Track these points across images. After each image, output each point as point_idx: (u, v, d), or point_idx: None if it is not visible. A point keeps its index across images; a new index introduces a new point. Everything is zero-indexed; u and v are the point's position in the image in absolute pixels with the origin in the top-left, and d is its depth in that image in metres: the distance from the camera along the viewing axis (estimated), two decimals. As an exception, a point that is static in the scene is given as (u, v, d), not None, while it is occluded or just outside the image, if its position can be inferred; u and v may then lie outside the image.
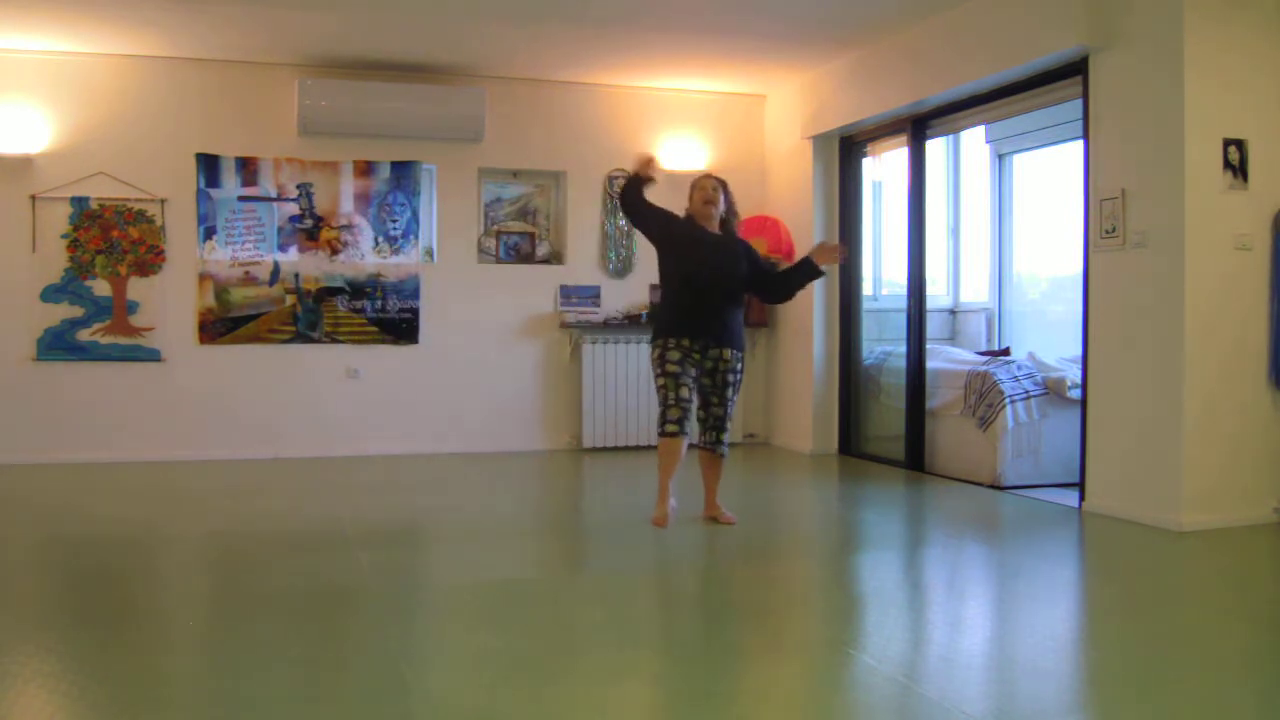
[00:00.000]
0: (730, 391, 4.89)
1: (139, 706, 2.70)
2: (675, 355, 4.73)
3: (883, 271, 7.64)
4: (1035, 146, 7.55)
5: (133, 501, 5.73)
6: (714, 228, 4.94)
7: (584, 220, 7.73)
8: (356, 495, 5.87)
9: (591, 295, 7.65)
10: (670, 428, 4.69)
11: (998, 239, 7.90)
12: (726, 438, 4.94)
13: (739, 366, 4.89)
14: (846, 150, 7.39)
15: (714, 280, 4.80)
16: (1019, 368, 6.25)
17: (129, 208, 6.84)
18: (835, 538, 5.12)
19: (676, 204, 5.13)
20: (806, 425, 7.54)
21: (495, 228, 7.72)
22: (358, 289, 7.25)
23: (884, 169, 7.53)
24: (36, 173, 6.72)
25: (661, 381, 4.74)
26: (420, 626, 3.39)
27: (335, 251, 7.20)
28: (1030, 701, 2.79)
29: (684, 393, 4.69)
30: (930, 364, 6.67)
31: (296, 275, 7.13)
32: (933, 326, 7.25)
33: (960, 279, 8.11)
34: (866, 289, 7.47)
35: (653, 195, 5.00)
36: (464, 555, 4.48)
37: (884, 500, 5.91)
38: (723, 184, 4.99)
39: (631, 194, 4.92)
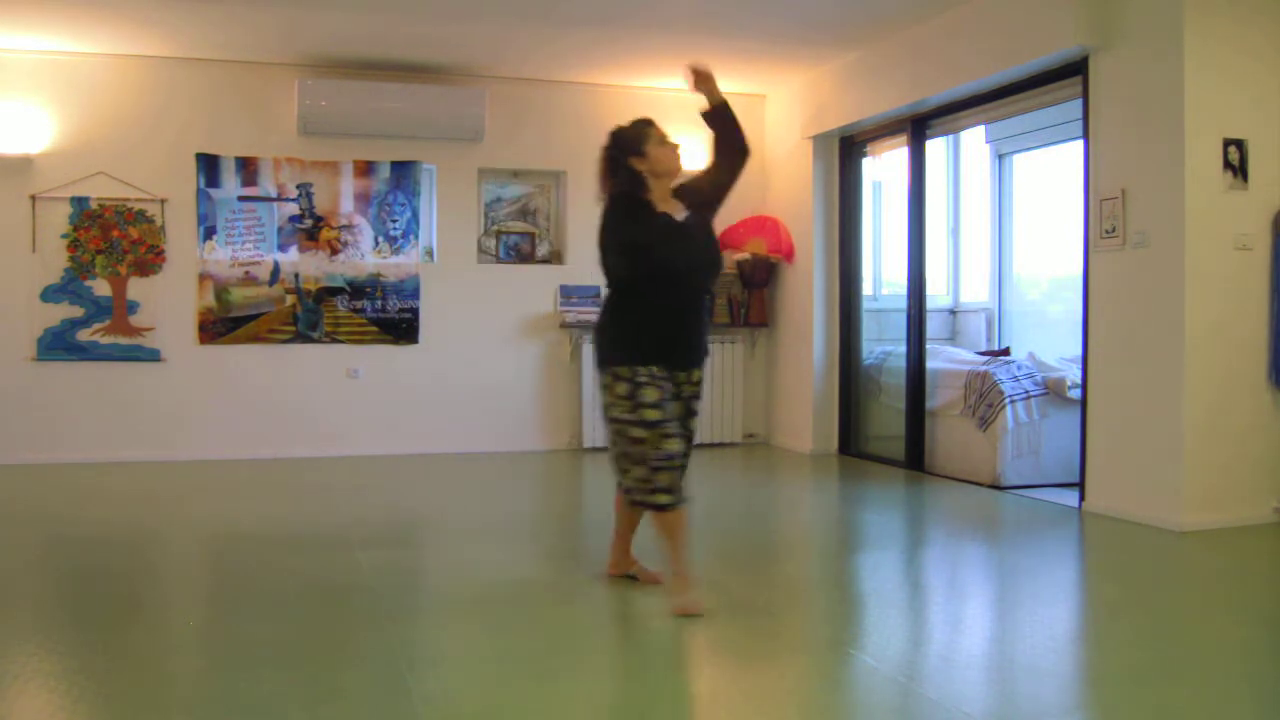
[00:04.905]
0: (695, 423, 3.72)
1: (139, 706, 2.70)
2: (652, 394, 3.40)
3: (883, 271, 7.65)
4: (1035, 146, 7.55)
5: (133, 501, 5.73)
6: (670, 203, 3.64)
7: (584, 220, 7.70)
8: (356, 495, 5.87)
9: (592, 295, 7.64)
10: (664, 499, 3.37)
11: (998, 239, 7.90)
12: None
13: (701, 386, 3.75)
14: (846, 150, 7.39)
15: (694, 281, 3.61)
16: (1019, 368, 6.25)
17: (129, 208, 6.84)
18: (835, 538, 5.12)
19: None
20: (806, 425, 7.54)
21: (495, 228, 7.72)
22: (358, 289, 7.24)
23: (884, 169, 7.53)
24: (36, 173, 6.72)
25: (639, 434, 3.37)
26: (420, 627, 3.39)
27: (335, 251, 7.19)
28: (1030, 701, 2.79)
29: (673, 446, 3.41)
30: (930, 364, 6.67)
31: (296, 275, 7.13)
32: (933, 326, 7.24)
33: (960, 279, 8.11)
34: (866, 289, 7.47)
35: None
36: (464, 555, 4.47)
37: (884, 500, 5.91)
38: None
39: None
